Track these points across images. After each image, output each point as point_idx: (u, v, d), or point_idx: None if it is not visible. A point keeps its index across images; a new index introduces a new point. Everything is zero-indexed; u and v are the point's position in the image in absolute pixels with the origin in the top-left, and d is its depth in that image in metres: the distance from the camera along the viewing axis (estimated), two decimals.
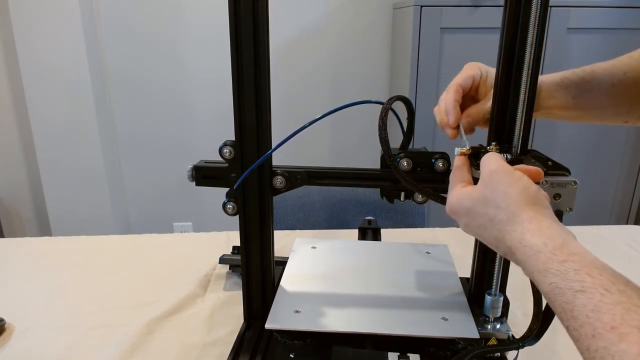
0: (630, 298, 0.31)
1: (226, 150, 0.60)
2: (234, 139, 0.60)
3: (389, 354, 0.55)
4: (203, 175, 0.62)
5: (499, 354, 0.60)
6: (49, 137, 2.03)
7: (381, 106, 0.58)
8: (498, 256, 0.59)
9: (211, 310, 0.76)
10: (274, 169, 0.62)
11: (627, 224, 2.08)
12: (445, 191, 0.52)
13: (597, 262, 0.35)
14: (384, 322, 0.60)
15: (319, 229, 1.24)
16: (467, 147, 0.53)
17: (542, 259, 0.37)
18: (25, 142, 2.18)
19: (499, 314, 0.60)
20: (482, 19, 1.74)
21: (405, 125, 0.64)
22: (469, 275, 0.68)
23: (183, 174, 0.63)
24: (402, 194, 0.62)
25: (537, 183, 0.46)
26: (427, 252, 0.79)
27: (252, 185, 0.61)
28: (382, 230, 0.96)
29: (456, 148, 0.53)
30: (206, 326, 0.72)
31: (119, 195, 2.26)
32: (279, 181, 0.61)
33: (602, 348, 0.30)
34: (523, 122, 0.54)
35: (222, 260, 0.84)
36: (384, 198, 0.64)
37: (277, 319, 0.60)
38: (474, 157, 0.51)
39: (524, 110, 0.53)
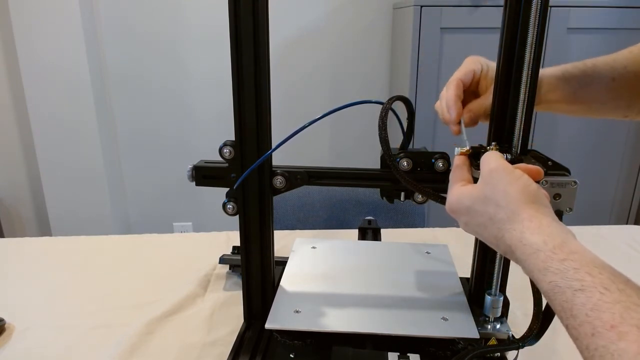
0: (629, 297, 0.31)
1: (226, 150, 0.60)
2: (234, 139, 0.60)
3: (389, 354, 0.55)
4: (203, 175, 0.62)
5: (499, 354, 0.60)
6: (49, 137, 2.03)
7: (381, 106, 0.58)
8: (498, 256, 0.59)
9: (211, 310, 0.76)
10: (274, 169, 0.62)
11: (627, 224, 2.08)
12: (445, 191, 0.52)
13: (596, 261, 0.35)
14: (384, 322, 0.60)
15: (319, 229, 1.24)
16: (467, 147, 0.53)
17: (541, 258, 0.37)
18: (25, 142, 2.18)
19: (499, 314, 0.60)
20: (482, 19, 1.74)
21: (405, 125, 0.64)
22: (469, 275, 0.68)
23: (183, 174, 0.63)
24: (402, 194, 0.62)
25: (537, 182, 0.46)
26: (427, 252, 0.79)
27: (252, 185, 0.61)
28: (382, 230, 0.96)
29: (456, 148, 0.53)
30: (206, 326, 0.72)
31: (119, 195, 2.27)
32: (279, 181, 0.61)
33: (602, 347, 0.30)
34: (523, 122, 0.54)
35: (222, 260, 0.84)
36: (384, 198, 0.64)
37: (277, 319, 0.60)
38: (474, 157, 0.51)
39: (524, 110, 0.53)
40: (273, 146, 0.60)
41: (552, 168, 0.50)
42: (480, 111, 0.60)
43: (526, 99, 0.53)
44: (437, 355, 0.59)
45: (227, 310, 0.76)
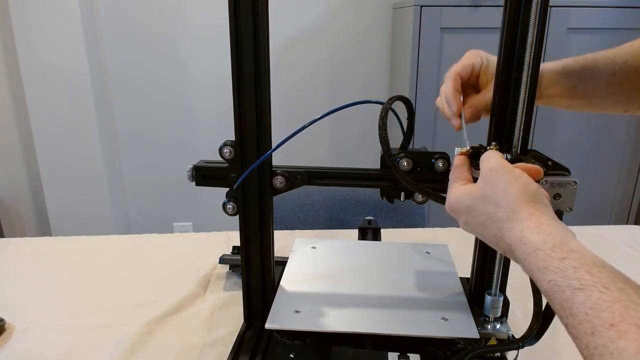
0: (629, 296, 0.31)
1: (226, 150, 0.60)
2: (234, 139, 0.60)
3: (389, 354, 0.55)
4: (203, 175, 0.62)
5: (499, 354, 0.60)
6: (49, 137, 2.03)
7: (381, 106, 0.58)
8: (498, 256, 0.59)
9: (211, 310, 0.76)
10: (274, 169, 0.62)
11: (627, 224, 2.08)
12: (445, 191, 0.52)
13: (596, 260, 0.35)
14: (384, 322, 0.60)
15: (319, 229, 1.24)
16: (468, 147, 0.53)
17: (541, 257, 0.37)
18: (25, 142, 2.18)
19: (499, 314, 0.60)
20: (482, 19, 1.74)
21: (405, 125, 0.64)
22: (469, 275, 0.68)
23: (183, 174, 0.63)
24: (402, 194, 0.62)
25: (537, 182, 0.46)
26: (427, 252, 0.79)
27: (252, 185, 0.61)
28: (382, 230, 0.96)
29: (456, 148, 0.53)
30: (206, 326, 0.72)
31: (119, 195, 2.27)
32: (279, 181, 0.61)
33: (601, 345, 0.30)
34: (523, 122, 0.54)
35: (222, 260, 0.84)
36: (384, 198, 0.64)
37: (277, 319, 0.60)
38: (474, 157, 0.51)
39: (524, 110, 0.53)
40: (273, 146, 0.60)
41: (552, 168, 0.50)
42: (482, 106, 0.60)
43: (526, 99, 0.53)
44: (437, 355, 0.59)
45: (227, 310, 0.76)
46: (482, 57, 0.61)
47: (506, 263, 0.60)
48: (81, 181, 2.10)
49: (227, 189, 0.62)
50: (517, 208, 0.41)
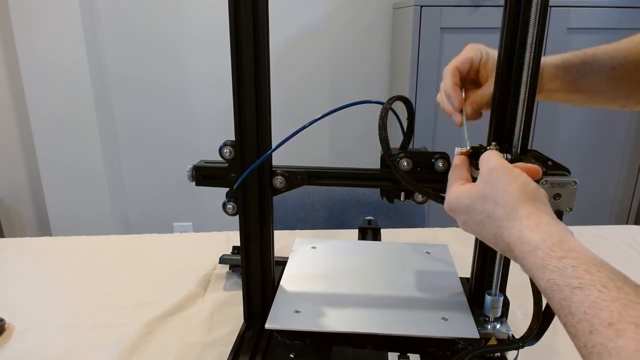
0: (628, 295, 0.31)
1: (226, 150, 0.60)
2: (234, 139, 0.60)
3: (389, 354, 0.55)
4: (203, 175, 0.62)
5: (499, 354, 0.60)
6: (49, 137, 2.03)
7: (381, 106, 0.58)
8: (498, 256, 0.59)
9: (211, 310, 0.76)
10: (274, 169, 0.62)
11: (627, 224, 2.08)
12: (445, 191, 0.52)
13: (595, 259, 0.35)
14: (384, 322, 0.60)
15: (319, 229, 1.24)
16: (468, 147, 0.53)
17: (540, 255, 0.37)
18: (25, 142, 2.18)
19: (499, 314, 0.60)
20: (482, 19, 1.74)
21: (405, 125, 0.64)
22: (469, 275, 0.68)
23: (183, 174, 0.63)
24: (402, 194, 0.62)
25: (537, 181, 0.46)
26: (427, 252, 0.79)
27: (252, 185, 0.61)
28: (382, 230, 0.96)
29: (456, 148, 0.53)
30: (206, 326, 0.72)
31: (119, 195, 2.27)
32: (279, 181, 0.61)
33: (600, 344, 0.30)
34: (523, 122, 0.54)
35: (222, 260, 0.84)
36: (384, 198, 0.64)
37: (277, 319, 0.60)
38: (474, 157, 0.51)
39: (524, 110, 0.53)
40: (273, 146, 0.60)
41: (552, 168, 0.50)
42: (483, 101, 0.59)
43: (526, 99, 0.53)
44: (437, 355, 0.59)
45: (227, 310, 0.76)
46: (482, 51, 0.61)
47: (506, 263, 0.60)
48: (81, 181, 2.10)
49: (227, 189, 0.62)
50: (516, 207, 0.41)
